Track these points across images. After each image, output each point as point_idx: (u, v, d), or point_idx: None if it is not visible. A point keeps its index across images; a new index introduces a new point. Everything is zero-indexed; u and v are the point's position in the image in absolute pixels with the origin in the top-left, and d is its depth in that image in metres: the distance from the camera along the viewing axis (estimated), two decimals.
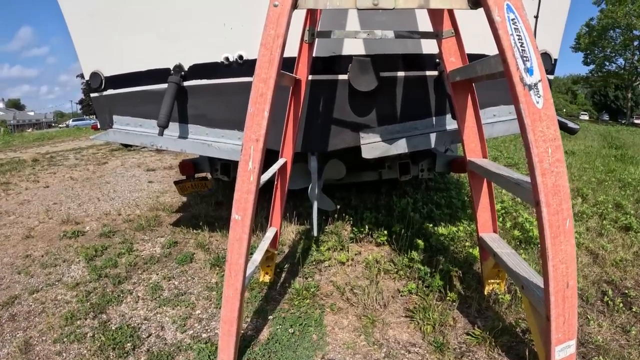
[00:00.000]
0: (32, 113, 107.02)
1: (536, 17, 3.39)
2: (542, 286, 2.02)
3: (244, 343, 2.63)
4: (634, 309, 2.98)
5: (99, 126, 4.49)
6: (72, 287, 3.55)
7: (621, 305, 3.01)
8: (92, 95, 4.20)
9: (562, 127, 3.51)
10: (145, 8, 3.50)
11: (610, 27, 42.95)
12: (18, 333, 2.92)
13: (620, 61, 46.86)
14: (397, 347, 2.63)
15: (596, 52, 46.84)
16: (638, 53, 44.54)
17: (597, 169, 8.50)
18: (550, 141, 1.90)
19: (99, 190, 7.85)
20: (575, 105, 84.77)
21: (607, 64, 47.56)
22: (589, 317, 2.89)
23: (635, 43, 43.46)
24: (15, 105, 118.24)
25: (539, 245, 3.83)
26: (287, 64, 2.67)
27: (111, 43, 3.80)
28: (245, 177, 2.14)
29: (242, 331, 2.73)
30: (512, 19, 1.94)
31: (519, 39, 1.93)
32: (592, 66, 48.96)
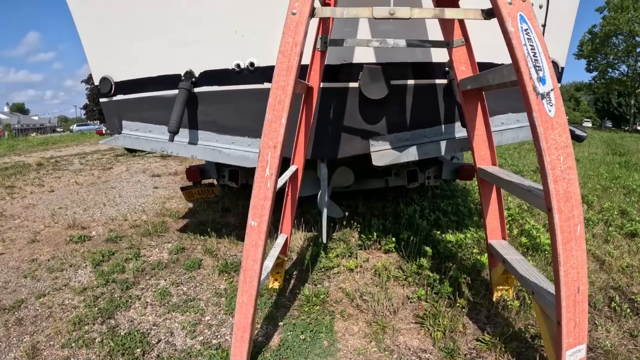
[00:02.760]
0: (36, 117, 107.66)
1: (544, 25, 3.43)
2: (553, 291, 2.04)
3: (255, 349, 2.64)
4: None
5: (103, 132, 4.52)
6: (80, 291, 3.56)
7: (628, 310, 3.02)
8: (101, 100, 4.23)
9: (570, 134, 3.52)
10: (156, 14, 3.52)
11: (612, 34, 43.09)
12: (25, 337, 2.92)
13: (623, 68, 46.99)
14: (408, 353, 2.63)
15: (599, 59, 46.96)
16: None
17: (602, 176, 8.51)
18: (562, 149, 1.93)
19: (104, 195, 7.88)
20: (578, 113, 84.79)
21: (610, 70, 47.67)
22: (596, 322, 2.90)
23: (638, 50, 43.55)
24: (20, 109, 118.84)
25: (547, 252, 3.87)
26: (299, 72, 2.69)
27: (121, 48, 3.83)
28: (262, 183, 2.15)
29: (254, 337, 2.74)
30: (525, 29, 1.97)
31: (531, 49, 1.95)
32: (595, 73, 49.12)
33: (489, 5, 2.11)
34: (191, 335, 2.88)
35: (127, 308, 3.28)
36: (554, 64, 3.67)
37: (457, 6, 2.71)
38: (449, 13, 2.21)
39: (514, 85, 2.21)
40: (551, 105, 1.94)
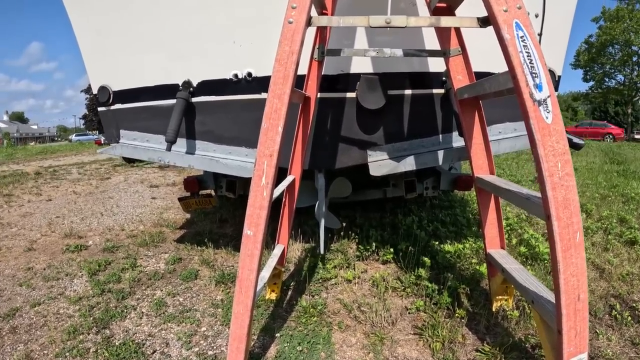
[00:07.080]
0: (35, 126, 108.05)
1: (540, 34, 3.44)
2: (553, 300, 2.02)
3: None
4: None
5: (102, 142, 4.52)
6: (75, 301, 3.53)
7: (629, 318, 3.00)
8: (99, 109, 4.24)
9: (567, 142, 3.51)
10: (155, 25, 3.54)
11: (609, 43, 43.37)
12: (19, 346, 2.89)
13: (620, 77, 47.22)
14: None
15: (595, 68, 47.17)
16: (637, 69, 44.88)
17: (600, 185, 8.50)
18: (559, 155, 1.92)
19: (102, 205, 7.85)
20: (576, 122, 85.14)
21: (607, 80, 47.87)
22: (597, 331, 2.88)
23: (634, 59, 43.84)
24: (19, 118, 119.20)
25: (546, 261, 3.85)
26: (297, 82, 2.70)
27: (120, 58, 3.84)
28: (259, 192, 2.13)
29: (250, 349, 2.71)
30: (521, 37, 1.97)
31: (527, 56, 1.95)
32: (591, 83, 49.32)
33: (484, 14, 2.12)
34: (187, 346, 2.84)
35: (122, 318, 3.24)
36: (551, 73, 3.68)
37: (453, 15, 2.72)
38: (445, 21, 2.22)
39: (510, 93, 2.20)
40: (548, 112, 1.94)
